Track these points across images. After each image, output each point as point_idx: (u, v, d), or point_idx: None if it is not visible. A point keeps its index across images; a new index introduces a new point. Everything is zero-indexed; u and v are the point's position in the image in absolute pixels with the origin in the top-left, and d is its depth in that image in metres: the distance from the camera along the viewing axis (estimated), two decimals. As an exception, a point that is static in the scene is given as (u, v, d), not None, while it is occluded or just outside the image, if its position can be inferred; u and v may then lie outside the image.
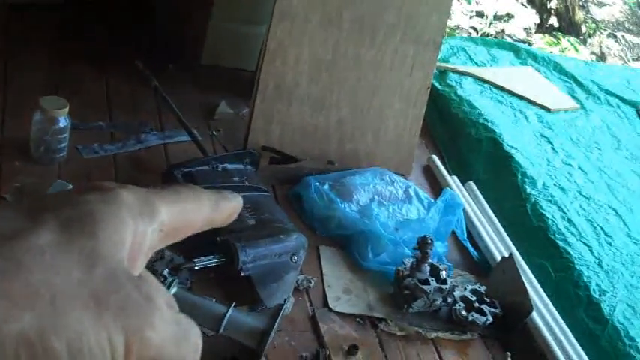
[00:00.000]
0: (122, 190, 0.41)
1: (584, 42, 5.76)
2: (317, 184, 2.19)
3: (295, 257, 1.94)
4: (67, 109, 2.08)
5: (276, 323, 1.67)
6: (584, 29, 5.89)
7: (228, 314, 1.67)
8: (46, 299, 0.34)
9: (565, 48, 5.50)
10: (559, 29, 5.80)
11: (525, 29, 5.75)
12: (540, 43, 5.48)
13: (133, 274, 0.38)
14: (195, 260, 1.82)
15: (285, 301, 1.79)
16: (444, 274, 1.96)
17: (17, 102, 2.31)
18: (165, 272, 1.68)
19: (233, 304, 1.69)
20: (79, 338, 0.35)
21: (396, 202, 2.24)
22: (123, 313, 0.36)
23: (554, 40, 5.57)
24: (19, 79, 2.43)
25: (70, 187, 1.65)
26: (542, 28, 5.82)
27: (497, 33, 5.66)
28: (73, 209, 0.38)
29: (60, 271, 0.35)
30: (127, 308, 0.36)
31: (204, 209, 0.46)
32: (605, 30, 6.04)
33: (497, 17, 5.76)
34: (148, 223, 0.41)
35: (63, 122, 2.09)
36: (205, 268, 1.85)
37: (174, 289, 1.67)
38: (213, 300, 1.73)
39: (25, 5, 2.75)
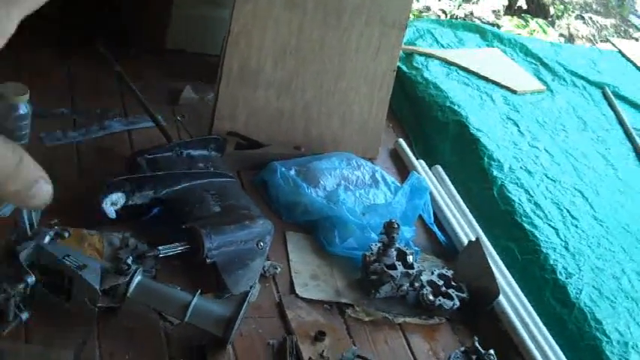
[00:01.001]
0: None
1: (552, 24, 5.77)
2: (283, 169, 2.17)
3: (261, 243, 1.93)
4: (27, 96, 2.04)
5: (242, 310, 1.66)
6: (552, 11, 5.89)
7: (193, 302, 1.65)
8: None
9: (533, 30, 5.50)
10: (527, 11, 5.81)
11: (494, 11, 5.75)
12: (509, 25, 5.48)
13: None
14: (159, 248, 1.80)
15: (251, 288, 1.78)
16: (410, 258, 1.95)
17: (-23, 88, 2.27)
18: (130, 260, 1.66)
19: (198, 292, 1.68)
20: None
21: (362, 187, 2.23)
22: None
23: (523, 22, 5.57)
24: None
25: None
26: (510, 10, 5.82)
27: (465, 15, 5.65)
28: None
29: None
30: None
31: None
32: (573, 12, 6.05)
33: (465, -1, 5.75)
34: None
35: (24, 109, 2.05)
36: (170, 256, 1.83)
37: (138, 278, 1.66)
38: (179, 288, 1.71)
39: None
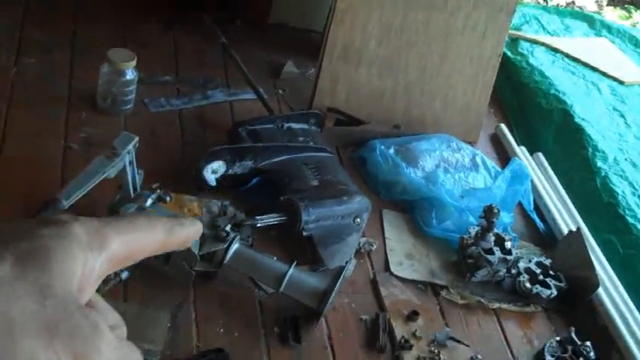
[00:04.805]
0: (75, 223, 0.45)
1: (657, 16, 5.59)
2: (382, 147, 2.16)
3: (358, 219, 1.92)
4: (134, 62, 2.07)
5: (338, 284, 1.66)
6: (658, 2, 5.72)
7: (289, 273, 1.65)
8: (2, 329, 0.38)
9: (636, 22, 5.35)
10: (631, 2, 5.64)
11: (596, 1, 5.60)
12: (611, 15, 5.34)
13: (81, 304, 0.42)
14: (257, 218, 1.81)
15: (346, 263, 1.77)
16: (508, 244, 1.92)
17: (86, 54, 2.31)
18: (228, 228, 1.67)
19: (294, 263, 1.68)
20: None
21: (462, 170, 2.20)
22: (72, 340, 0.40)
23: (626, 14, 5.41)
24: (87, 31, 2.43)
25: (136, 139, 1.65)
26: (613, 0, 5.67)
27: (567, 3, 5.52)
28: (29, 243, 0.42)
29: (16, 302, 0.39)
30: (75, 335, 0.40)
31: (158, 236, 0.50)
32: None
33: (568, -13, 5.62)
34: (97, 256, 0.45)
35: (130, 75, 2.08)
36: (267, 227, 1.84)
37: (235, 246, 1.66)
38: (275, 258, 1.72)
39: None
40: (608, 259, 2.05)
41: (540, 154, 2.42)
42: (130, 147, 1.65)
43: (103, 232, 0.46)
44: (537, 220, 2.17)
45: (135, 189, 1.72)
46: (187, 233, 0.52)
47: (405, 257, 1.94)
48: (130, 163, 1.66)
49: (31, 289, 0.40)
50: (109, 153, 1.62)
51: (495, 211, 1.90)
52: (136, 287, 1.64)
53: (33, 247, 0.42)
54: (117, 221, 0.47)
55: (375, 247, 1.93)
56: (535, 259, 1.97)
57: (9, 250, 0.42)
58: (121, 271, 1.61)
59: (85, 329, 0.41)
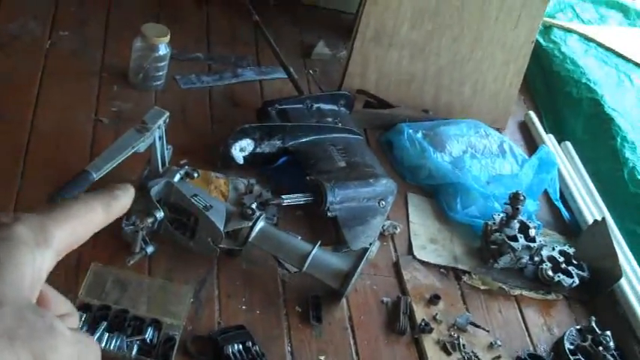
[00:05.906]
0: (18, 224, 0.46)
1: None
2: (410, 131, 2.16)
3: (383, 202, 1.93)
4: (167, 38, 2.08)
5: (360, 266, 1.67)
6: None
7: (312, 253, 1.67)
8: None
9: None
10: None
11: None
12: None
13: (35, 306, 0.44)
14: (283, 197, 1.82)
15: (370, 244, 1.78)
16: (533, 232, 1.92)
17: (119, 28, 2.33)
18: (254, 206, 1.69)
19: (318, 244, 1.69)
20: None
21: (489, 156, 2.20)
22: (30, 343, 0.42)
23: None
24: (121, 5, 2.44)
25: (167, 114, 1.66)
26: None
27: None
28: None
29: None
30: (33, 338, 0.42)
31: (97, 217, 0.52)
32: None
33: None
34: (44, 252, 0.46)
35: (163, 50, 2.10)
36: (293, 206, 1.85)
37: (261, 224, 1.68)
38: (299, 238, 1.73)
39: None
40: (632, 251, 2.05)
41: (568, 143, 2.42)
42: (161, 122, 1.67)
43: (45, 227, 0.47)
44: (562, 209, 2.17)
45: (163, 164, 1.74)
46: (124, 204, 0.54)
47: (429, 241, 1.95)
48: (160, 138, 1.68)
49: None
50: (139, 127, 1.64)
51: (521, 198, 1.90)
52: (161, 262, 1.67)
53: None
54: (57, 212, 0.49)
55: (399, 230, 1.94)
56: (558, 248, 1.97)
57: None
58: (147, 245, 1.63)
59: (42, 331, 0.43)
